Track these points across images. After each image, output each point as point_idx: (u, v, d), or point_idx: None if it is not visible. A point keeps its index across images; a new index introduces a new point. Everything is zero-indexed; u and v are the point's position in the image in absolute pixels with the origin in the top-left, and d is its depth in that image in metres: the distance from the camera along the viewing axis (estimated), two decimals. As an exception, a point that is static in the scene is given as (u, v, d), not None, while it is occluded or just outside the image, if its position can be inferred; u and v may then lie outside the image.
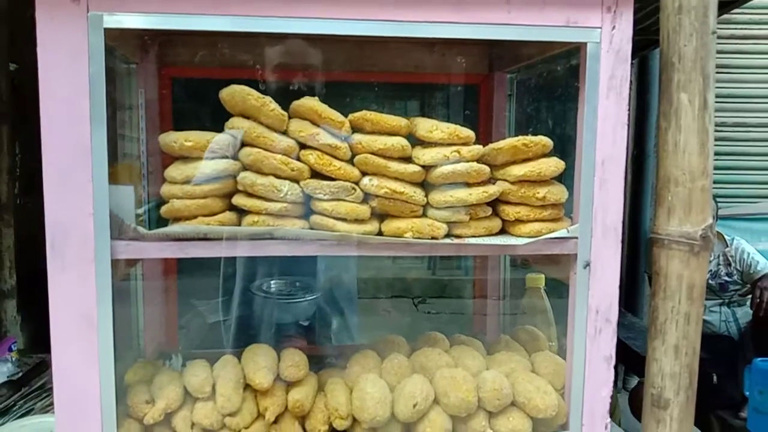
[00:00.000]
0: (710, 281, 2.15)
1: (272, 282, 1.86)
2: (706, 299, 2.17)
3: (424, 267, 6.97)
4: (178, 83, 1.38)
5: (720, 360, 2.42)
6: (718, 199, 2.51)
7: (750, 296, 2.45)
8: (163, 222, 0.98)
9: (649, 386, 1.10)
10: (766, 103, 4.03)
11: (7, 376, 1.43)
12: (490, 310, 1.62)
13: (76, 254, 0.89)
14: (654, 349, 1.09)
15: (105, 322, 0.91)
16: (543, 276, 1.47)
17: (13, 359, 1.53)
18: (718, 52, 1.40)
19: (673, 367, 1.07)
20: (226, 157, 0.96)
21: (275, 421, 1.02)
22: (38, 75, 0.88)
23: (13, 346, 1.55)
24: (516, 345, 1.24)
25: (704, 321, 2.29)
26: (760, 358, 2.11)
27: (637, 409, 1.33)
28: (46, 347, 1.65)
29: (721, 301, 2.59)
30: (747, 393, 2.19)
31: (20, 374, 1.47)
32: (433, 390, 1.05)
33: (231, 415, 0.99)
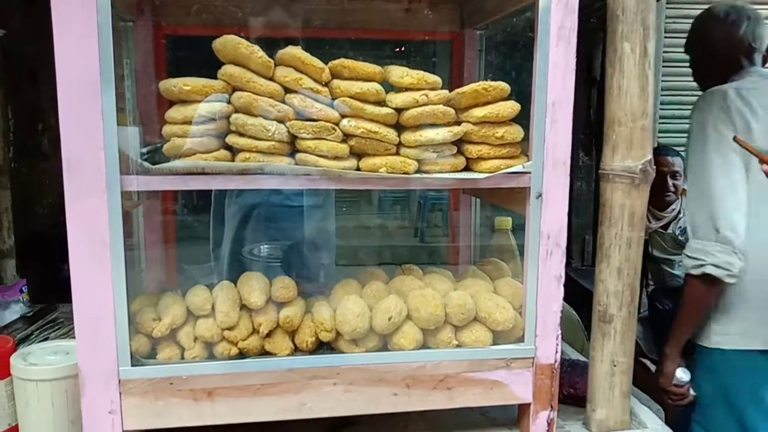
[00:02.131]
0: (681, 237, 2.28)
1: (262, 246, 1.99)
2: (676, 254, 2.33)
3: (412, 234, 7.14)
4: (171, 40, 1.49)
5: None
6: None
7: None
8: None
9: (596, 304, 1.26)
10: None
11: (21, 314, 1.57)
12: (463, 251, 1.78)
13: (90, 184, 1.02)
14: (600, 271, 1.25)
15: (117, 245, 1.04)
16: (510, 219, 1.62)
17: (24, 300, 1.66)
18: (692, 16, 1.53)
19: (617, 286, 1.23)
20: (220, 101, 1.08)
21: (268, 335, 1.16)
22: (51, 23, 0.99)
23: (23, 289, 1.68)
24: (482, 274, 1.39)
25: (672, 274, 2.45)
26: None
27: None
28: (47, 301, 1.77)
29: None
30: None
31: (32, 312, 1.60)
32: (407, 307, 1.19)
33: (229, 329, 1.13)
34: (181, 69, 1.41)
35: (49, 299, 1.81)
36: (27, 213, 3.28)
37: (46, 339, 1.41)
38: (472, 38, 1.57)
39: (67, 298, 1.71)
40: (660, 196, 2.18)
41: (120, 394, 1.08)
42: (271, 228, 2.00)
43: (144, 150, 1.12)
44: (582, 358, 1.54)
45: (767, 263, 1.40)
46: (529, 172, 1.15)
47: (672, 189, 2.22)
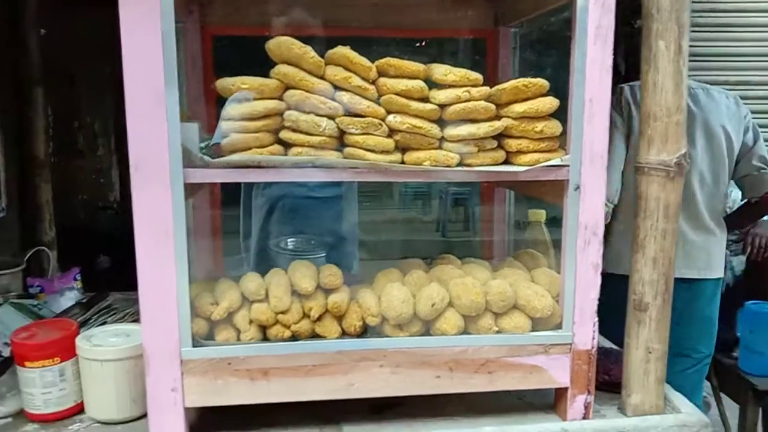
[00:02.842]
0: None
1: (289, 240, 2.06)
2: None
3: (434, 229, 7.19)
4: (218, 39, 1.56)
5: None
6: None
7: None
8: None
9: (631, 293, 1.31)
10: (768, 62, 4.13)
11: (76, 300, 1.65)
12: (497, 244, 1.83)
13: (155, 177, 1.09)
14: (636, 261, 1.29)
15: (180, 233, 1.11)
16: (544, 212, 1.66)
17: (78, 287, 1.75)
18: (719, 10, 1.56)
19: (652, 276, 1.27)
20: (273, 98, 1.15)
21: (318, 319, 1.23)
22: (119, 30, 1.06)
23: (77, 276, 1.77)
24: (518, 264, 1.44)
25: None
26: (751, 302, 2.31)
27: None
28: (89, 291, 1.86)
29: None
30: (739, 334, 2.39)
31: (86, 299, 1.68)
32: (448, 295, 1.25)
33: (282, 313, 1.20)
34: (227, 68, 1.48)
35: (90, 289, 1.90)
36: (65, 206, 3.41)
37: (104, 323, 1.49)
38: (507, 36, 1.62)
39: (107, 286, 1.80)
40: None
41: (182, 373, 1.15)
42: (297, 219, 2.07)
43: (202, 144, 1.19)
44: (614, 346, 1.59)
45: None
46: (568, 165, 1.20)
47: None
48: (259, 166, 1.13)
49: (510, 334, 1.25)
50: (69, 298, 1.66)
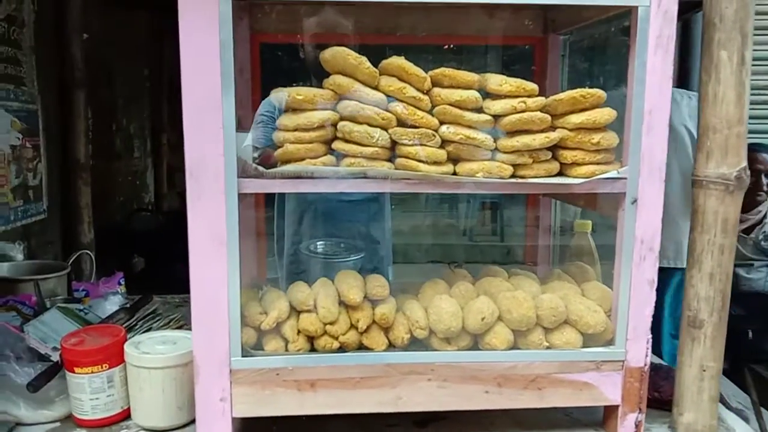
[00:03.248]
0: (764, 243, 2.28)
1: (318, 243, 2.06)
2: (755, 260, 2.31)
3: (460, 234, 7.14)
4: (267, 48, 1.56)
5: (756, 316, 2.54)
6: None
7: None
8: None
9: (686, 309, 1.27)
10: (806, 66, 4.02)
11: (119, 305, 1.67)
12: (541, 254, 1.80)
13: (211, 187, 1.09)
14: (691, 276, 1.25)
15: (233, 243, 1.11)
16: (590, 222, 1.63)
17: (122, 292, 1.76)
18: (757, 13, 1.53)
19: (708, 292, 1.24)
20: (327, 109, 1.14)
21: (366, 331, 1.22)
22: (179, 40, 1.06)
23: (121, 281, 1.79)
24: (567, 277, 1.41)
25: (747, 279, 2.42)
26: None
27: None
28: (127, 291, 1.87)
29: None
30: (780, 346, 2.34)
31: (129, 304, 1.70)
32: (498, 308, 1.23)
33: (331, 324, 1.19)
34: (277, 76, 1.49)
35: (127, 291, 1.92)
36: (102, 209, 3.46)
37: (149, 329, 1.50)
38: (556, 44, 1.59)
39: (141, 290, 1.82)
40: (749, 196, 2.16)
41: (230, 382, 1.15)
42: (329, 222, 2.07)
43: (256, 155, 1.19)
44: (662, 362, 1.55)
45: None
46: (625, 178, 1.17)
47: (765, 189, 2.19)
48: (312, 177, 1.13)
49: (561, 350, 1.22)
50: (113, 303, 1.68)
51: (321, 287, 1.24)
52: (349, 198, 2.08)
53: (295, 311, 1.23)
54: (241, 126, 1.32)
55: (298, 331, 1.20)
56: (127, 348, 1.28)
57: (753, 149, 2.21)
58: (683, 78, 3.83)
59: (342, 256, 2.00)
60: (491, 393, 1.21)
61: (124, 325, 1.50)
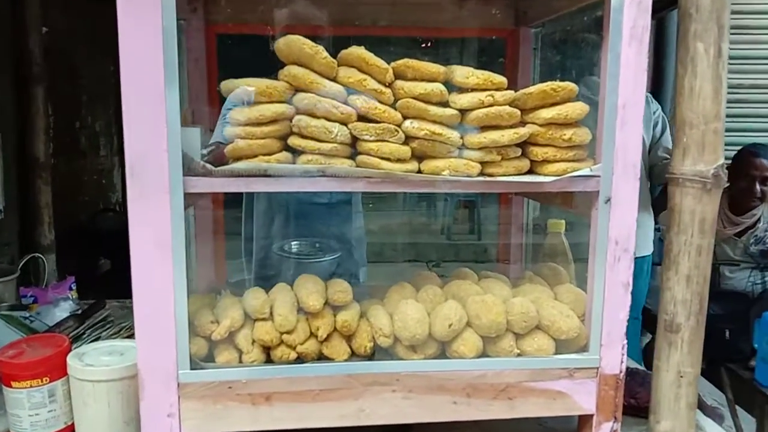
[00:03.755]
0: (753, 247, 2.23)
1: (293, 243, 1.98)
2: (742, 263, 2.27)
3: (438, 232, 7.10)
4: (222, 39, 1.48)
5: (733, 316, 2.51)
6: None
7: None
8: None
9: (662, 312, 1.22)
10: (785, 65, 4.02)
11: (70, 312, 1.57)
12: (507, 248, 1.74)
13: (153, 186, 1.01)
14: (668, 279, 1.20)
15: (179, 246, 1.02)
16: (563, 221, 1.57)
17: (74, 297, 1.66)
18: (736, 12, 1.46)
19: (685, 295, 1.18)
20: (282, 102, 1.06)
21: (326, 339, 1.14)
22: (117, 27, 0.98)
23: (72, 286, 1.69)
24: (539, 279, 1.35)
25: (729, 277, 2.39)
26: None
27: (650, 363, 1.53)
28: (87, 296, 1.77)
29: (755, 265, 2.56)
30: (756, 345, 2.30)
31: (80, 310, 1.60)
32: (466, 314, 1.16)
33: (288, 332, 1.11)
34: (233, 68, 1.40)
35: (89, 294, 1.82)
36: (65, 209, 3.33)
37: (97, 338, 1.41)
38: (527, 36, 1.53)
39: (107, 293, 1.72)
40: (743, 200, 2.11)
41: (179, 397, 1.07)
42: (300, 225, 1.99)
43: (205, 151, 1.11)
44: (640, 367, 1.50)
45: None
46: (598, 176, 1.12)
47: (759, 195, 2.14)
48: (265, 175, 1.05)
49: (532, 357, 1.16)
50: (64, 309, 1.58)
51: (278, 293, 1.16)
52: (321, 200, 2.00)
53: (250, 319, 1.15)
54: (194, 120, 1.24)
55: (253, 341, 1.12)
56: (70, 360, 1.19)
57: (750, 152, 2.10)
58: (657, 79, 3.81)
59: (317, 257, 1.93)
60: (459, 404, 1.15)
61: (71, 335, 1.41)
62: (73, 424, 1.20)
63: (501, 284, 1.28)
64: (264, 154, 1.05)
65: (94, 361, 1.19)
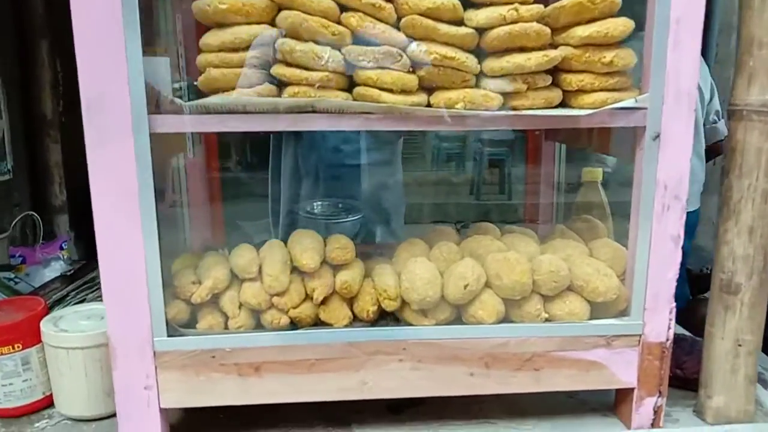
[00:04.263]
0: None
1: (315, 203, 1.84)
2: None
3: (467, 192, 6.89)
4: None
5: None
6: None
7: None
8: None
9: (718, 272, 1.03)
10: None
11: (60, 272, 1.46)
12: (540, 208, 1.56)
13: (114, 127, 0.86)
14: (726, 231, 1.01)
15: (147, 196, 0.88)
16: (600, 169, 1.39)
17: (65, 257, 1.55)
18: None
19: (747, 249, 1.00)
20: (262, 23, 0.89)
21: (323, 303, 1.00)
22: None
23: (64, 245, 1.58)
24: (571, 234, 1.18)
25: None
26: None
27: (694, 327, 1.34)
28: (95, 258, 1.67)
29: None
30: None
31: (72, 271, 1.49)
32: (485, 273, 1.00)
33: (279, 294, 0.97)
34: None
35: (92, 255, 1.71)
36: (76, 168, 3.23)
37: (83, 301, 1.30)
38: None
39: None
40: None
41: (155, 367, 0.94)
42: (330, 187, 1.83)
43: (177, 85, 0.95)
44: (685, 332, 1.32)
45: None
46: (645, 108, 0.92)
47: None
48: (244, 111, 0.89)
49: (563, 322, 1.00)
50: (54, 270, 1.48)
51: (269, 251, 1.02)
52: (353, 161, 1.82)
53: (238, 280, 1.01)
54: (159, 47, 1.08)
55: (240, 305, 0.99)
56: (43, 325, 1.07)
57: None
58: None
59: (339, 217, 1.78)
60: (477, 376, 0.99)
61: (55, 297, 1.30)
62: (51, 394, 1.10)
63: (527, 240, 1.11)
64: (243, 87, 0.89)
65: (70, 326, 1.07)
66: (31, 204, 2.86)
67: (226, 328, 0.98)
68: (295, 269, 1.01)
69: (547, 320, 1.00)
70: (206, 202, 1.53)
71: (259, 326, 1.00)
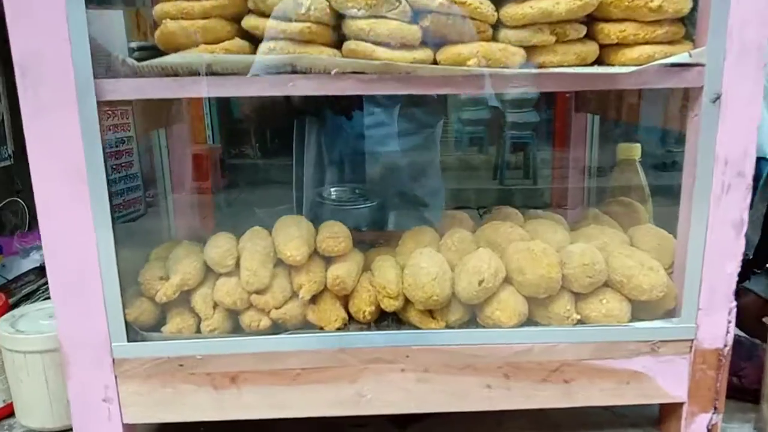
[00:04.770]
0: None
1: (332, 189, 1.70)
2: None
3: (490, 177, 6.69)
4: None
5: None
6: None
7: None
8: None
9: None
10: None
11: (39, 263, 1.34)
12: (573, 199, 1.38)
13: (53, 93, 0.71)
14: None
15: (97, 174, 0.74)
16: (638, 145, 1.21)
17: (48, 247, 1.43)
18: None
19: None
20: (232, -34, 0.73)
21: (312, 302, 0.85)
22: None
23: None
24: (607, 219, 1.01)
25: None
26: None
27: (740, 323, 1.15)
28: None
29: None
30: None
31: (53, 262, 1.36)
32: (504, 266, 0.84)
33: (258, 292, 0.82)
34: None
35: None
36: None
37: (53, 296, 1.16)
38: None
39: None
40: None
41: (115, 377, 0.80)
42: (356, 173, 1.67)
43: (134, 45, 0.80)
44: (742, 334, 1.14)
45: None
46: (702, 64, 0.75)
47: None
48: (211, 73, 0.73)
49: (598, 325, 0.83)
50: (33, 261, 1.35)
51: (249, 240, 0.87)
52: (386, 147, 1.65)
53: (214, 275, 0.86)
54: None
55: (215, 305, 0.84)
56: (0, 325, 0.94)
57: None
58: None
59: (356, 203, 1.64)
60: (494, 388, 0.84)
61: (25, 291, 1.17)
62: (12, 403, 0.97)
63: (555, 226, 0.94)
64: (208, 42, 0.74)
65: (28, 327, 0.94)
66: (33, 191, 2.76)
67: (199, 331, 0.84)
68: (280, 262, 0.86)
69: (579, 323, 0.83)
70: (220, 189, 1.38)
71: (237, 330, 0.85)
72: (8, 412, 0.98)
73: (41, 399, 0.93)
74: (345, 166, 1.68)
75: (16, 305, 1.08)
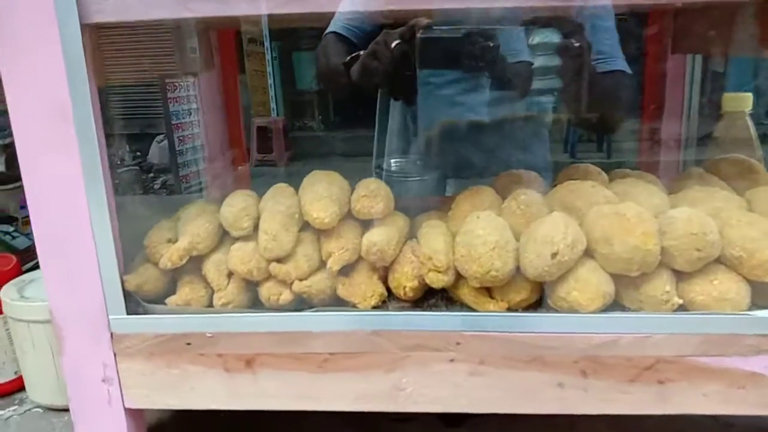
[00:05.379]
0: None
1: (392, 160, 1.55)
2: None
3: (560, 150, 6.35)
4: None
5: None
6: None
7: None
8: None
9: None
10: None
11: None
12: (664, 169, 1.16)
13: (31, 14, 0.59)
14: None
15: (84, 116, 0.61)
16: (749, 95, 1.00)
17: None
18: None
19: None
20: None
21: (344, 274, 0.70)
22: None
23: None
24: (715, 180, 0.80)
25: None
26: None
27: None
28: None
29: None
30: None
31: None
32: (585, 235, 0.66)
33: (278, 260, 0.69)
34: None
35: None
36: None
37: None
38: None
39: None
40: None
41: (114, 354, 0.69)
42: (448, 149, 1.51)
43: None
44: None
45: None
46: None
47: None
48: (217, -13, 0.59)
49: (707, 313, 0.65)
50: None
51: (270, 200, 0.73)
52: (485, 120, 1.47)
53: (231, 240, 0.73)
54: None
55: (229, 274, 0.71)
56: (5, 291, 0.86)
57: None
58: None
59: (413, 175, 1.48)
60: (568, 387, 0.67)
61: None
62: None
63: (650, 188, 0.75)
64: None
65: (35, 293, 0.85)
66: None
67: (211, 305, 0.71)
68: (306, 226, 0.72)
69: (680, 308, 0.65)
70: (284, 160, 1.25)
71: (256, 304, 0.72)
72: (20, 385, 0.90)
73: (48, 373, 0.84)
74: (437, 144, 1.52)
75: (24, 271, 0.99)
